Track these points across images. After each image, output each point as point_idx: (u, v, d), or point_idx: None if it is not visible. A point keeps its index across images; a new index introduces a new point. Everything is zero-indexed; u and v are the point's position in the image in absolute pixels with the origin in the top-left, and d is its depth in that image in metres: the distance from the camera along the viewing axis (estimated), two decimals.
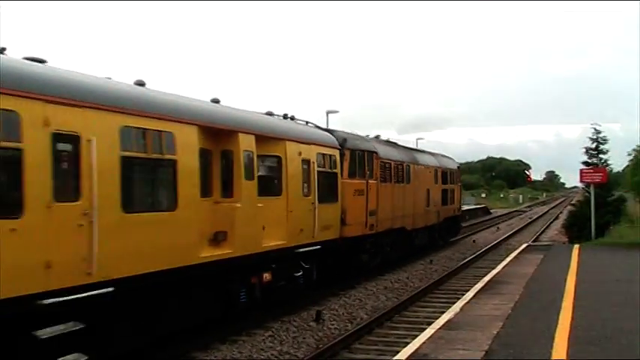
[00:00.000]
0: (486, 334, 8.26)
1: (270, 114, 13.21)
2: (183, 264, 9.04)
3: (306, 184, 13.01)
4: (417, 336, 8.64)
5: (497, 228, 38.22)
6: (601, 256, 18.53)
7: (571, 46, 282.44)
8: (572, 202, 43.73)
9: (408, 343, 8.25)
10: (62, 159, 7.22)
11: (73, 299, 7.02)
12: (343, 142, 15.64)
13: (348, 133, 17.11)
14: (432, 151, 28.36)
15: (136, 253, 8.13)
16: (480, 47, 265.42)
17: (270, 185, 12.11)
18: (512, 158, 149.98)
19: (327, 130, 15.99)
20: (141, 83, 9.29)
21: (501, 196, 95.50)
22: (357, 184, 16.07)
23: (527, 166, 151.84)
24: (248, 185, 10.85)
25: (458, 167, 30.70)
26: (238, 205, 10.56)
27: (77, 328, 7.13)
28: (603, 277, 13.80)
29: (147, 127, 8.45)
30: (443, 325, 9.03)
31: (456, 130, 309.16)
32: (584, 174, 24.61)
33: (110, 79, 8.87)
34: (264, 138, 11.64)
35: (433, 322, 9.51)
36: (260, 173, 11.52)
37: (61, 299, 6.91)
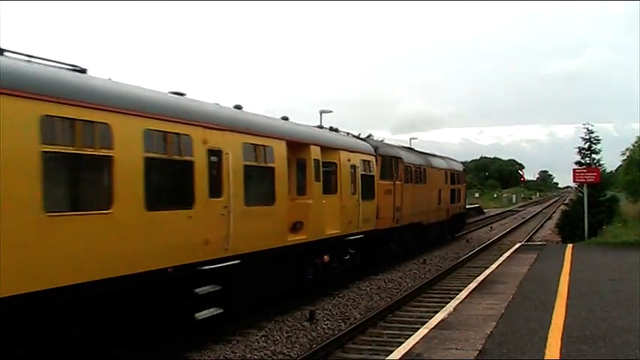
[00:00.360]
0: (480, 334, 8.26)
1: (320, 127, 16.78)
2: (278, 245, 12.21)
3: (353, 185, 16.28)
4: (410, 336, 8.63)
5: (491, 228, 38.30)
6: (594, 255, 18.59)
7: (566, 45, 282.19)
8: (565, 202, 43.86)
9: (401, 343, 8.24)
10: (212, 167, 10.09)
11: (217, 267, 9.93)
12: (376, 149, 18.83)
13: (379, 141, 20.68)
14: (442, 154, 30.64)
15: (252, 235, 11.11)
16: (474, 47, 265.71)
17: (329, 186, 15.07)
18: (506, 158, 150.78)
19: (364, 139, 19.29)
20: (239, 107, 12.13)
21: (495, 195, 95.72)
22: (386, 184, 19.15)
23: (521, 166, 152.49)
24: (316, 186, 14.09)
25: (463, 169, 33.69)
26: (310, 201, 13.83)
27: (216, 289, 9.93)
28: (596, 277, 13.83)
29: (258, 143, 11.60)
30: (436, 324, 9.03)
31: (449, 130, 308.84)
32: (577, 174, 24.66)
33: (218, 104, 11.43)
34: (325, 148, 14.87)
35: (427, 321, 9.51)
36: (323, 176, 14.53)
37: (212, 267, 9.81)
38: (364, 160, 17.32)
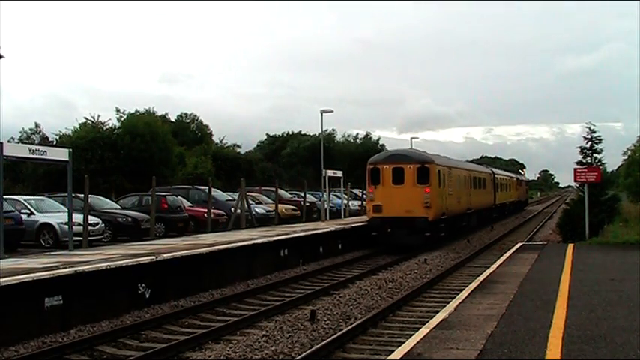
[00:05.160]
0: (481, 334, 8.25)
1: (512, 171, 76.46)
2: (488, 206, 40.94)
3: (516, 187, 59.35)
4: (411, 335, 8.62)
5: (492, 227, 38.31)
6: (595, 255, 18.56)
7: (576, 44, 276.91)
8: (567, 202, 43.90)
9: (402, 343, 8.22)
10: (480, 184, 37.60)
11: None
12: (518, 176, 71.43)
13: (517, 174, 75.26)
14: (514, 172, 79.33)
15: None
16: (483, 43, 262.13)
17: (512, 187, 56.32)
18: (512, 157, 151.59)
19: (515, 170, 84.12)
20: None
21: None
22: (519, 187, 61.87)
23: (522, 166, 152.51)
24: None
25: (526, 180, 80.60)
26: (508, 193, 52.38)
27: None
28: (597, 276, 13.81)
29: (474, 175, 37.05)
30: (437, 324, 9.01)
31: (458, 130, 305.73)
32: (577, 174, 24.61)
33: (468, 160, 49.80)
34: (514, 179, 61.23)
35: (427, 321, 9.48)
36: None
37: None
38: (513, 180, 56.52)
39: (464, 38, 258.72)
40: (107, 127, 40.13)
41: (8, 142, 26.03)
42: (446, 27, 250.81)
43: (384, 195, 25.62)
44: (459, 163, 34.11)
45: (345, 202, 38.42)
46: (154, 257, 14.47)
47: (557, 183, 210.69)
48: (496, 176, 45.32)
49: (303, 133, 74.59)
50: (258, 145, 76.09)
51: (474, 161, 64.30)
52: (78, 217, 19.11)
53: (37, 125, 45.71)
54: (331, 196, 36.97)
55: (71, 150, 18.03)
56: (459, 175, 31.06)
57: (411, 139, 57.30)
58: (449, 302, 11.14)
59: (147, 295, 13.82)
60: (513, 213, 55.19)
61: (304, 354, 9.40)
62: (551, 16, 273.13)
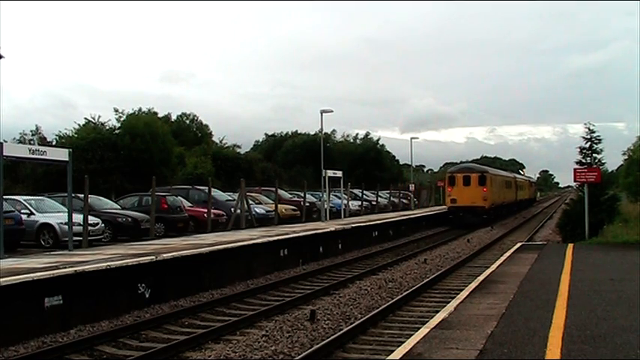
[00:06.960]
0: (481, 334, 8.25)
1: (528, 177, 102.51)
2: (513, 200, 56.43)
3: (528, 187, 78.33)
4: (411, 335, 8.61)
5: (492, 227, 38.30)
6: (595, 255, 18.57)
7: (580, 43, 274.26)
8: (567, 202, 43.95)
9: (402, 343, 8.21)
10: (509, 185, 56.44)
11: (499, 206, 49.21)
12: (529, 179, 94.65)
13: (529, 177, 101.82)
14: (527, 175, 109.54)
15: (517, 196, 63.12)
16: (487, 41, 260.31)
17: (525, 188, 71.15)
18: (514, 156, 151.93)
19: (529, 177, 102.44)
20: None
21: None
22: (531, 187, 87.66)
23: (522, 166, 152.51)
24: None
25: (535, 181, 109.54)
26: (522, 192, 66.42)
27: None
28: (597, 276, 13.82)
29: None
30: (437, 324, 9.01)
31: (458, 130, 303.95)
32: (577, 174, 24.61)
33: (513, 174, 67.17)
34: (524, 181, 78.06)
35: (427, 321, 9.48)
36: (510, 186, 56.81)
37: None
38: (527, 182, 78.11)
39: (467, 37, 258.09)
40: (107, 127, 40.12)
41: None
42: (449, 26, 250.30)
43: (457, 192, 41.01)
44: (498, 171, 52.55)
45: (345, 202, 38.51)
46: (153, 257, 14.49)
47: (557, 183, 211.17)
48: (517, 179, 62.63)
49: (300, 132, 74.46)
50: (256, 145, 76.01)
51: (474, 161, 73.12)
52: (78, 217, 19.11)
53: (37, 128, 45.65)
54: (331, 196, 37.00)
55: (71, 150, 18.03)
56: (499, 179, 47.40)
57: (411, 139, 60.38)
58: (449, 302, 11.13)
59: (147, 295, 13.83)
60: (526, 207, 71.65)
61: (304, 354, 9.40)
62: (556, 15, 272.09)
